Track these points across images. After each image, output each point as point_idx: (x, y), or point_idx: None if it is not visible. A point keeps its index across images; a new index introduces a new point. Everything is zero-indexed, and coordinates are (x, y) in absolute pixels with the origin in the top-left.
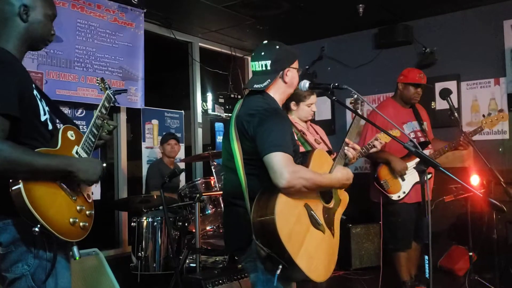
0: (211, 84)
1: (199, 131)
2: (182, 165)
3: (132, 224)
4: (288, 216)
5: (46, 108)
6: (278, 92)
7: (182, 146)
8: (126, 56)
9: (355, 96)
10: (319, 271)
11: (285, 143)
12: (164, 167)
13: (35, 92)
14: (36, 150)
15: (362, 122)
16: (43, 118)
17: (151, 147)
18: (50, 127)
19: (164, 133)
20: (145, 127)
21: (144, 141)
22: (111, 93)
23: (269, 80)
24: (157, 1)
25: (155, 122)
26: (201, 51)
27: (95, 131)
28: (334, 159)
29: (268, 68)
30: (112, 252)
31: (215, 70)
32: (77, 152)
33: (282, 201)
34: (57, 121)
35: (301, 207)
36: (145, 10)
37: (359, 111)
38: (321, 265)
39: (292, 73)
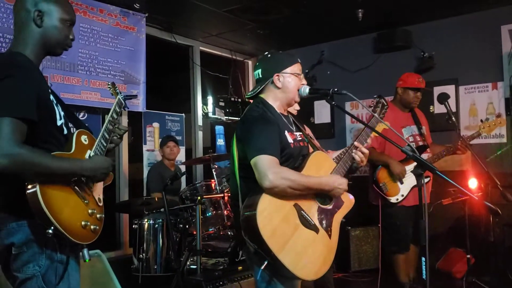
0: (211, 88)
1: (200, 134)
2: (182, 168)
3: (134, 226)
4: (272, 215)
5: (62, 113)
6: (273, 97)
7: (183, 148)
8: (128, 60)
9: (377, 99)
10: (308, 269)
11: (269, 146)
12: (164, 170)
13: (51, 97)
14: (51, 153)
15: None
16: (59, 122)
17: (152, 150)
18: (65, 131)
19: (163, 136)
20: (146, 130)
21: (145, 144)
22: (121, 98)
23: (258, 87)
24: (158, 6)
25: (156, 125)
26: (202, 54)
27: (106, 135)
28: (338, 162)
29: (260, 76)
30: (113, 254)
31: (215, 74)
32: (89, 156)
33: (265, 200)
34: (71, 125)
35: (290, 207)
36: (146, 14)
37: (377, 114)
38: (310, 263)
39: (285, 78)
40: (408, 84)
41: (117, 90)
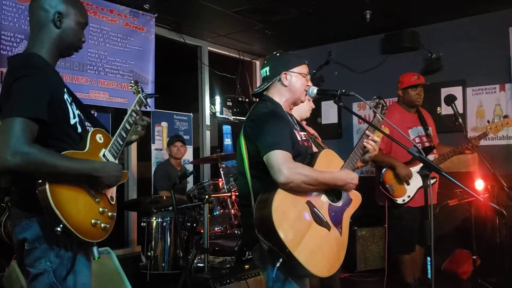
0: (219, 88)
1: (207, 133)
2: (190, 167)
3: (142, 224)
4: (287, 212)
5: (77, 112)
6: (280, 96)
7: (190, 148)
8: (136, 60)
9: (377, 100)
10: (321, 266)
11: (282, 142)
12: (171, 168)
13: (66, 96)
14: (63, 152)
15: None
16: (72, 121)
17: (160, 149)
18: (79, 130)
19: (170, 135)
20: (154, 129)
21: (153, 143)
22: (143, 96)
23: (265, 84)
24: (168, 6)
25: (164, 124)
26: (210, 55)
27: (123, 134)
28: (346, 159)
29: (268, 73)
30: (121, 251)
31: (223, 74)
32: (104, 155)
33: (280, 197)
34: (88, 124)
35: (303, 204)
36: (156, 15)
37: (378, 112)
38: (324, 260)
39: (292, 77)
40: (406, 83)
41: (139, 89)
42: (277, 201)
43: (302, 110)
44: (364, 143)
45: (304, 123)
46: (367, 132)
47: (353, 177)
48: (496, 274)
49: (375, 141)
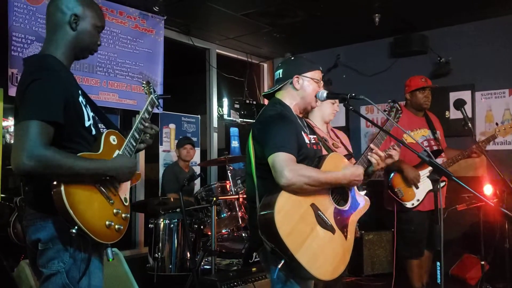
0: (227, 90)
1: (215, 135)
2: (197, 169)
3: (149, 225)
4: (290, 214)
5: (91, 114)
6: (290, 99)
7: (198, 150)
8: (146, 62)
9: (391, 104)
10: (324, 269)
11: (287, 144)
12: (179, 171)
13: (80, 98)
14: (78, 154)
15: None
16: (87, 123)
17: (168, 150)
18: (94, 132)
19: (180, 137)
20: (162, 131)
21: (161, 144)
22: (155, 97)
23: (276, 86)
24: (177, 9)
25: (172, 126)
26: (218, 57)
27: (136, 135)
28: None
29: (280, 76)
30: (128, 252)
31: (231, 76)
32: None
33: (283, 199)
34: (102, 126)
35: (307, 207)
36: (165, 17)
37: (391, 118)
38: (327, 263)
39: (304, 81)
40: (412, 87)
41: (151, 89)
42: (280, 203)
43: (326, 113)
44: (368, 157)
45: (329, 126)
46: (371, 145)
47: (358, 174)
48: (505, 279)
49: (379, 156)
